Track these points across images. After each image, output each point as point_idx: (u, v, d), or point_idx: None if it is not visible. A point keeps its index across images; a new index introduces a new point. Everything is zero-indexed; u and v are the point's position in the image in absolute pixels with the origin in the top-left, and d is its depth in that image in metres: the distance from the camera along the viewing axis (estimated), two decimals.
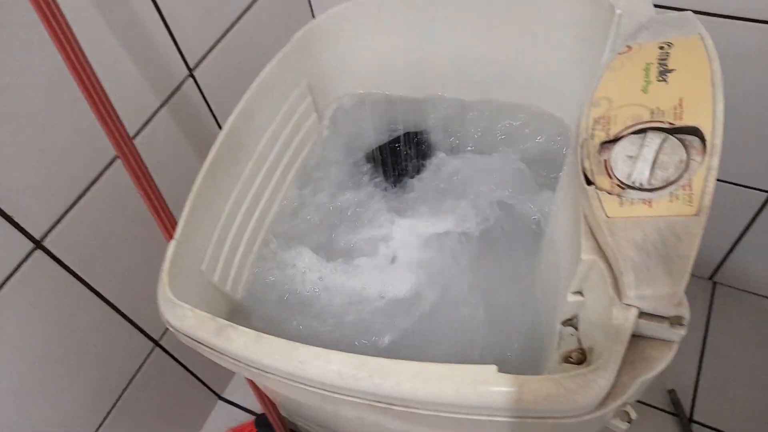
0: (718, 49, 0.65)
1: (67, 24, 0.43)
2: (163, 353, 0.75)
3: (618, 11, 0.46)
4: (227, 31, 0.71)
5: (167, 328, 0.72)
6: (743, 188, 0.74)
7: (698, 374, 0.84)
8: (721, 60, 0.64)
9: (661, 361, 0.33)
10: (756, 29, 0.59)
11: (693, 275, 1.00)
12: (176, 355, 0.78)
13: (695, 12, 0.61)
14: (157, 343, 0.73)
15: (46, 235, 0.55)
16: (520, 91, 0.61)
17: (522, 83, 0.60)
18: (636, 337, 0.33)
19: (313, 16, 0.88)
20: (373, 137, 0.68)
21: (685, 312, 0.31)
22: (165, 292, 0.43)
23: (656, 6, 0.62)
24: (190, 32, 0.66)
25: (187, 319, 0.40)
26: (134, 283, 0.67)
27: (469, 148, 0.65)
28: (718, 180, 0.85)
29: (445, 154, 0.64)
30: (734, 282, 0.90)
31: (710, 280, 0.91)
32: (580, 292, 0.38)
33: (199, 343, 0.40)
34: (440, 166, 0.64)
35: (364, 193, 0.65)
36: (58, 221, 0.56)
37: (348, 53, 0.64)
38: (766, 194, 0.74)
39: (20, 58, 0.49)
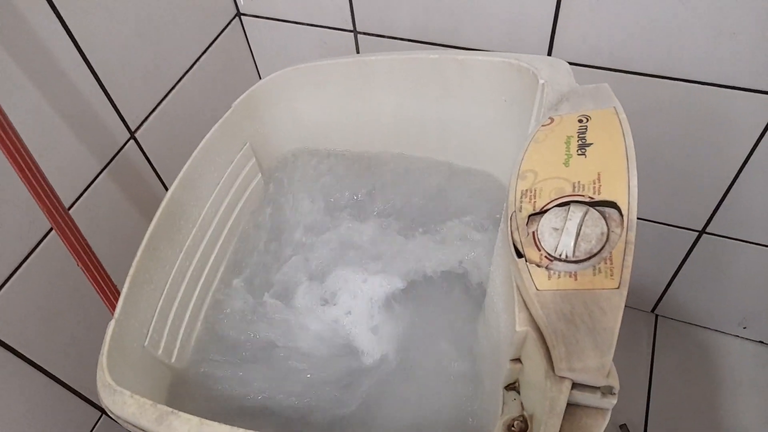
0: (637, 105, 0.69)
1: None
2: (112, 421, 0.73)
3: (541, 81, 0.49)
4: (168, 92, 0.71)
5: None
6: (677, 228, 0.79)
7: (647, 407, 0.87)
8: (643, 113, 0.68)
9: (596, 428, 0.34)
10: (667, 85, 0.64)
11: (635, 309, 1.03)
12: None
13: (614, 71, 0.65)
14: (104, 412, 0.71)
15: None
16: (456, 150, 0.63)
17: (457, 143, 0.62)
18: (572, 406, 0.34)
19: (259, 75, 0.89)
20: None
21: (614, 382, 0.33)
22: (104, 378, 0.41)
23: (577, 65, 0.66)
24: (130, 95, 0.66)
25: (127, 406, 0.39)
26: (77, 353, 0.65)
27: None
28: (656, 222, 0.88)
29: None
30: (675, 314, 0.94)
31: (652, 313, 0.94)
32: (519, 359, 0.39)
33: (141, 430, 0.39)
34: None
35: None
36: None
37: (289, 115, 0.64)
38: (696, 233, 0.78)
39: None
